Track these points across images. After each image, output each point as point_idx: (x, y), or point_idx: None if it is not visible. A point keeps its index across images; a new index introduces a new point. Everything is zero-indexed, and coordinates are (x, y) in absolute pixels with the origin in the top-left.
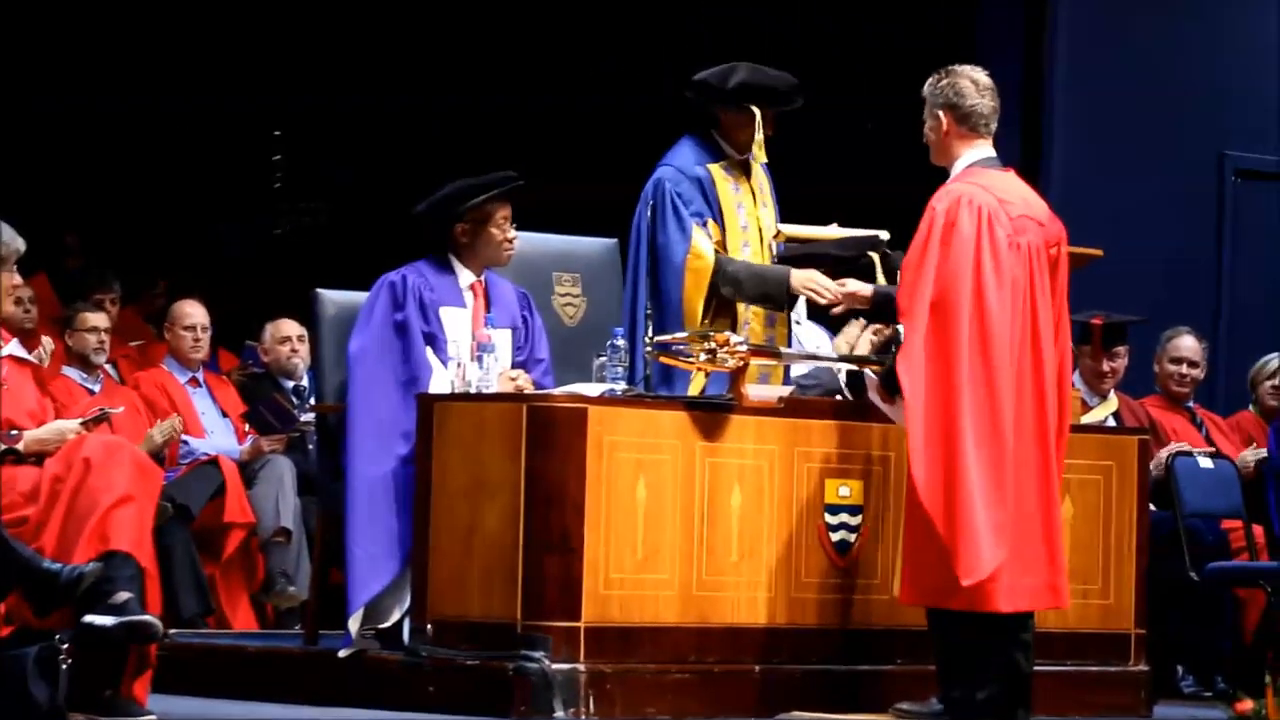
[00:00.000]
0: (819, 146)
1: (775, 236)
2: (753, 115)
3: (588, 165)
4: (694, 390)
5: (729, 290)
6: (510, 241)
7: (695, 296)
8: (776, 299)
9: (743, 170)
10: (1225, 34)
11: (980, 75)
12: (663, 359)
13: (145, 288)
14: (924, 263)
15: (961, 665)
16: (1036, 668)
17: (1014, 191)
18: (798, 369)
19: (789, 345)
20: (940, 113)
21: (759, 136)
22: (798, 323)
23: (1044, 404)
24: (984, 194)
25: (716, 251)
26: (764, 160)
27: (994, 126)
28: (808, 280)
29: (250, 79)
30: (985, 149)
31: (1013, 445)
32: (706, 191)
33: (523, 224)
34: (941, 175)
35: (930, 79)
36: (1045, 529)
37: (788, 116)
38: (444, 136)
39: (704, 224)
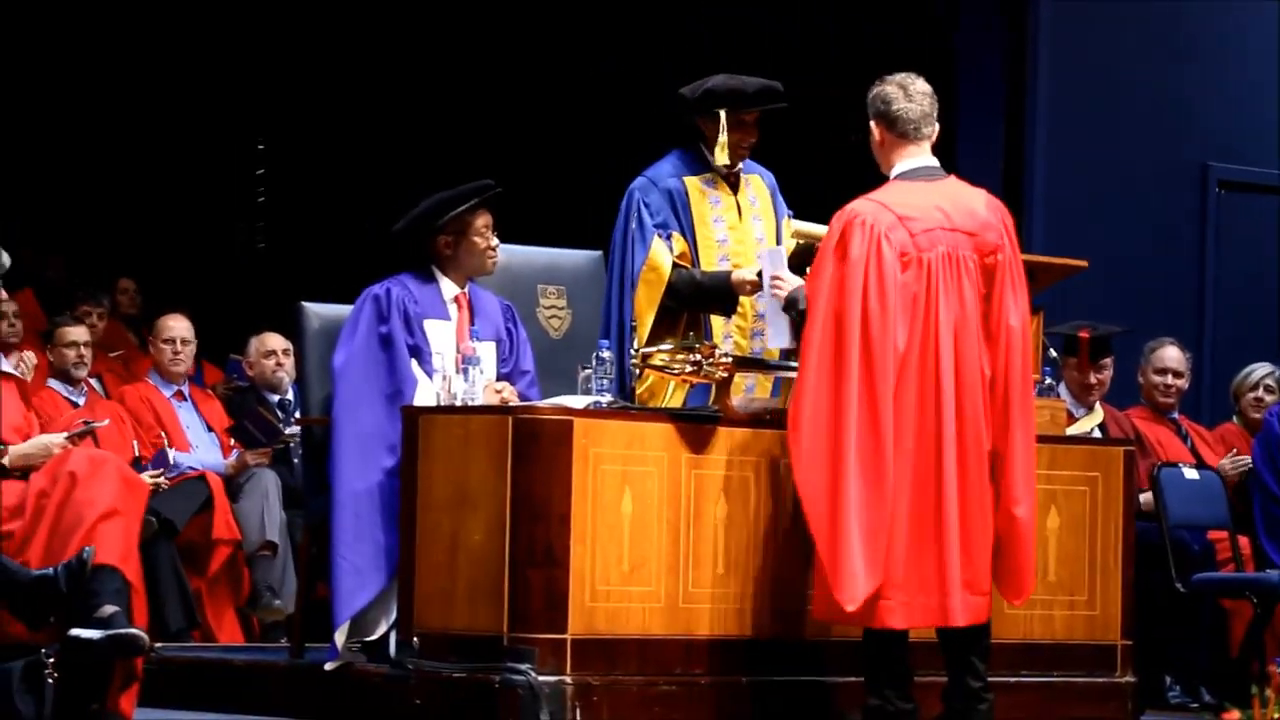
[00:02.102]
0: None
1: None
2: (734, 123)
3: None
4: (675, 402)
5: (674, 303)
6: (493, 249)
7: (646, 308)
8: (720, 304)
9: (730, 183)
10: (1209, 46)
11: (912, 81)
12: (648, 371)
13: (111, 286)
14: (820, 275)
15: (877, 677)
16: (1023, 678)
17: (929, 203)
18: None
19: (780, 354)
20: (872, 124)
21: (723, 139)
22: None
23: (942, 420)
24: (882, 212)
25: (677, 265)
26: (725, 162)
27: (928, 130)
28: (743, 279)
29: (235, 91)
30: (919, 157)
31: (896, 465)
32: (677, 203)
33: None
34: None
35: None
36: (938, 547)
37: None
38: (434, 144)
39: (667, 236)
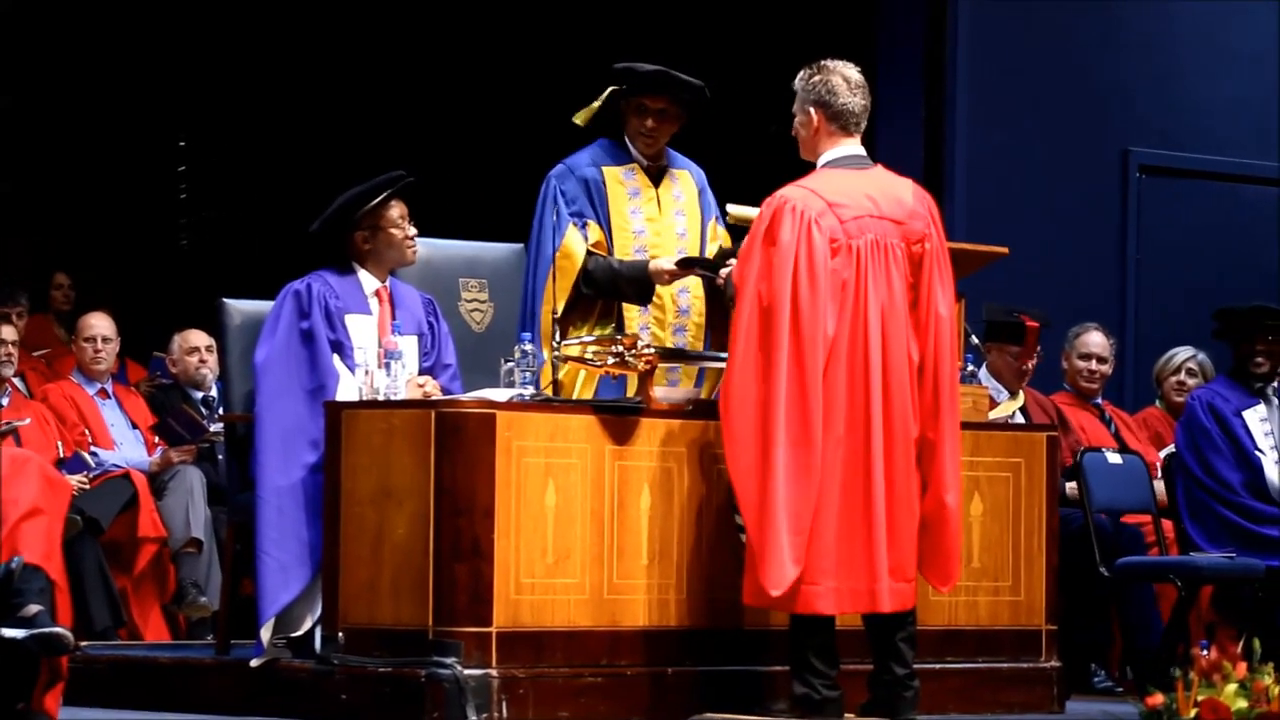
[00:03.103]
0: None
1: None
2: (633, 107)
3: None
4: (585, 393)
5: (590, 291)
6: (411, 239)
7: (557, 296)
8: (636, 293)
9: (652, 176)
10: (1129, 30)
11: (852, 72)
12: (569, 362)
13: (45, 284)
14: (749, 261)
15: (803, 664)
16: (948, 665)
17: (859, 191)
18: None
19: (705, 348)
20: (811, 109)
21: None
22: None
23: (870, 406)
24: (812, 198)
25: (592, 252)
26: (637, 138)
27: (864, 124)
28: (660, 268)
29: (156, 88)
30: (850, 147)
31: (826, 451)
32: (593, 192)
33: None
34: None
35: (801, 73)
36: (866, 533)
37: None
38: (355, 140)
39: (582, 225)
